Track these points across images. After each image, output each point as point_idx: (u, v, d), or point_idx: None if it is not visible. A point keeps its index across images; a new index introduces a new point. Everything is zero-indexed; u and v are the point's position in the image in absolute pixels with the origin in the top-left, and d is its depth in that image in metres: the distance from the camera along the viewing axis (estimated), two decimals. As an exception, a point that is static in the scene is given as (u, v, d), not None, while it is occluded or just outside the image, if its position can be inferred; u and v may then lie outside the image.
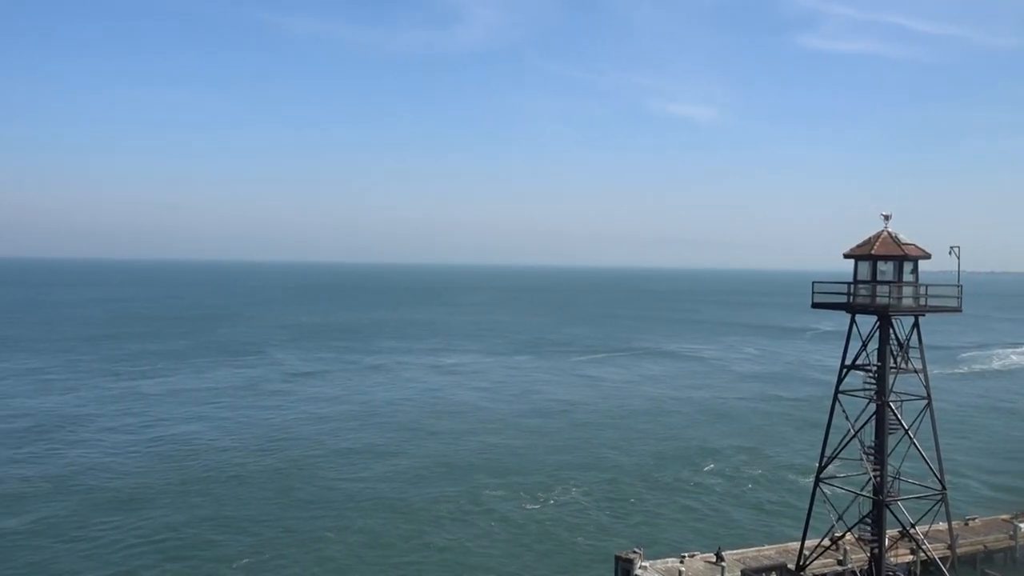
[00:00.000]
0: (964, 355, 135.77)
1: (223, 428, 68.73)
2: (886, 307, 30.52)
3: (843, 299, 32.03)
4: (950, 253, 31.56)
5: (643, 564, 35.33)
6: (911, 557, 35.37)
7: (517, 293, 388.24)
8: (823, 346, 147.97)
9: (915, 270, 31.44)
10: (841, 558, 35.52)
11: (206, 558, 39.46)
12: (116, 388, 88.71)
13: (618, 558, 35.99)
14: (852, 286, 31.78)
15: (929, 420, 31.21)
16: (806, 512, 34.54)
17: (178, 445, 62.25)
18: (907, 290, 30.98)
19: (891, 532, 33.73)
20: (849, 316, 32.24)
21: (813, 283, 33.13)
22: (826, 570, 35.26)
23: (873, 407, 31.38)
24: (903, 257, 30.80)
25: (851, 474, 34.63)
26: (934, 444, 31.43)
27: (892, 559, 33.81)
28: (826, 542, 34.45)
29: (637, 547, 37.00)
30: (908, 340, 31.34)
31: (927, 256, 31.40)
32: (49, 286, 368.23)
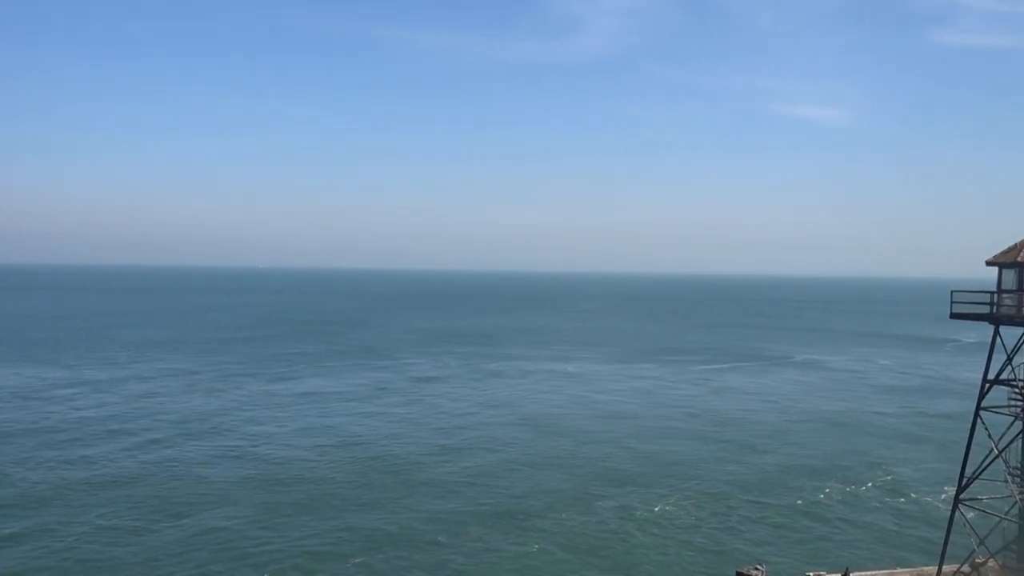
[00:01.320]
0: None
1: (353, 429, 71.44)
2: (1034, 318, 28.55)
3: (985, 309, 30.19)
4: (1108, 261, 29.20)
5: (766, 581, 34.33)
6: (1063, 587, 32.85)
7: (636, 301, 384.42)
8: (965, 359, 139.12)
9: (1067, 279, 29.23)
10: (983, 585, 33.40)
11: (326, 550, 41.27)
12: (255, 389, 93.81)
13: (739, 575, 35.14)
14: (995, 296, 29.91)
15: (1083, 441, 28.93)
16: (944, 535, 32.71)
17: (310, 445, 65.14)
18: (1057, 300, 28.87)
19: (1040, 560, 31.46)
20: (992, 328, 30.36)
21: (952, 292, 31.35)
22: (966, 597, 33.25)
23: (1019, 425, 29.42)
24: (1053, 265, 28.74)
25: (994, 496, 32.53)
26: (1089, 467, 29.13)
27: (1041, 589, 31.53)
28: (966, 568, 32.47)
29: (759, 564, 36.02)
30: (1059, 354, 29.21)
31: (1080, 264, 29.15)
32: (190, 292, 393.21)
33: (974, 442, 31.18)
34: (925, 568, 36.83)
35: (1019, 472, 29.38)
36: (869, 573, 36.62)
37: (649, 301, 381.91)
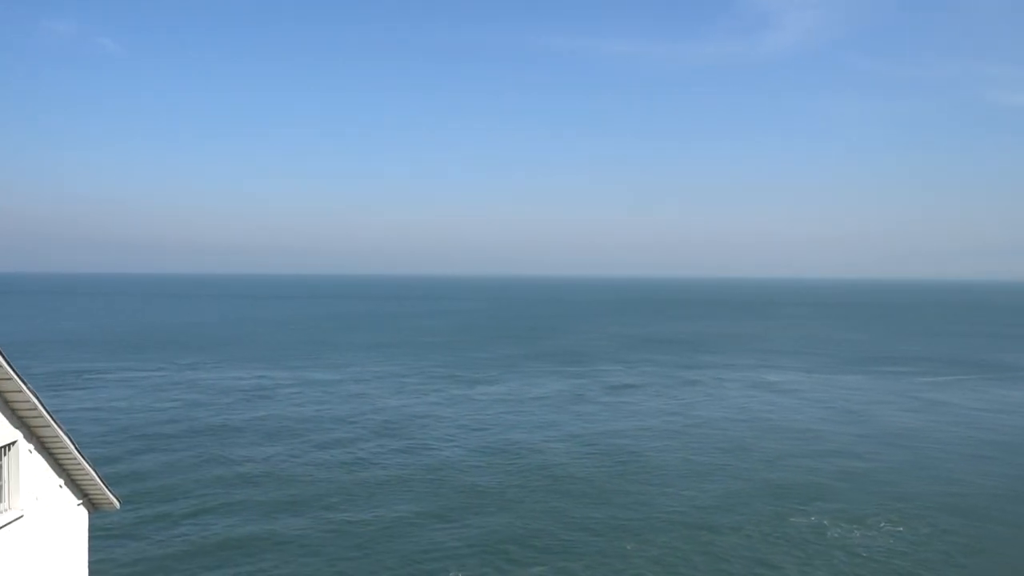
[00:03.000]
0: None
1: (547, 435, 73.06)
2: None
3: None
4: None
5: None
6: None
7: (840, 308, 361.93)
8: None
9: None
10: None
11: (507, 556, 42.50)
12: (457, 392, 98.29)
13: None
14: None
15: None
16: None
17: (504, 449, 67.37)
18: None
19: None
20: None
21: None
22: None
23: None
24: None
25: None
26: None
27: None
28: None
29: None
30: None
31: None
32: (394, 299, 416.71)
33: None
34: None
35: None
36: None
37: (851, 307, 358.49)
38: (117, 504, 25.56)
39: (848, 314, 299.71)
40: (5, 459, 20.39)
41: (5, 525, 19.92)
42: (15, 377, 19.43)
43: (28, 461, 21.18)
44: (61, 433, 21.86)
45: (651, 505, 51.73)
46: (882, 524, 48.10)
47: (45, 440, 21.89)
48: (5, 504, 20.39)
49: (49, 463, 22.40)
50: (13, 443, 20.54)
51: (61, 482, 23.08)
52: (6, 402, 20.05)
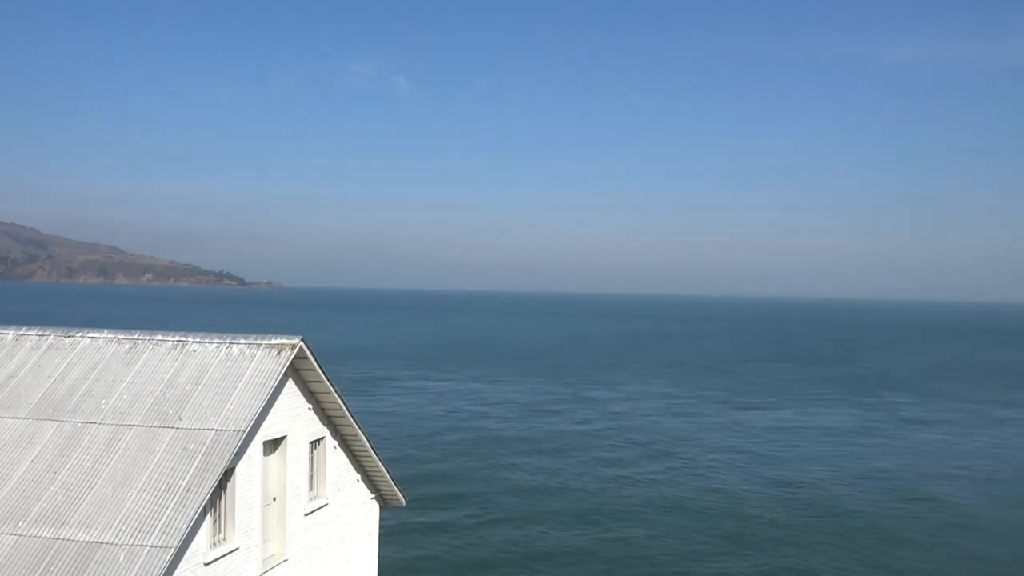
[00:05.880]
0: None
1: (827, 470, 68.10)
2: None
3: None
4: None
5: None
6: None
7: None
8: None
9: None
10: None
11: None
12: (726, 417, 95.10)
13: None
14: None
15: None
16: None
17: (780, 481, 63.77)
18: None
19: None
20: None
21: None
22: None
23: None
24: None
25: None
26: None
27: None
28: None
29: None
30: None
31: None
32: (677, 320, 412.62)
33: None
34: None
35: None
36: None
37: None
38: (403, 502, 27.83)
39: None
40: (315, 452, 23.08)
41: (314, 511, 22.53)
42: (325, 380, 21.97)
43: (332, 456, 23.79)
44: (360, 432, 24.31)
45: (943, 558, 46.30)
46: None
47: (347, 438, 24.47)
48: (314, 492, 23.04)
49: (349, 459, 24.99)
50: (321, 439, 23.19)
51: (358, 477, 25.63)
52: (318, 402, 22.73)
